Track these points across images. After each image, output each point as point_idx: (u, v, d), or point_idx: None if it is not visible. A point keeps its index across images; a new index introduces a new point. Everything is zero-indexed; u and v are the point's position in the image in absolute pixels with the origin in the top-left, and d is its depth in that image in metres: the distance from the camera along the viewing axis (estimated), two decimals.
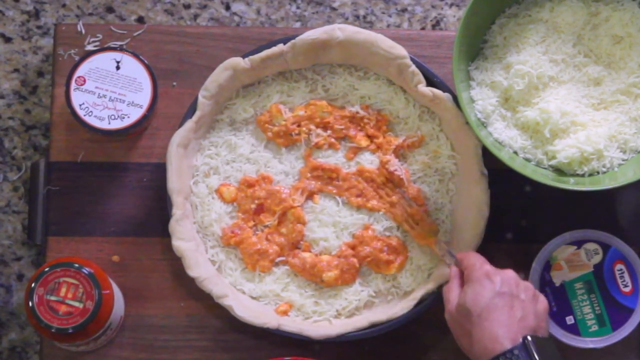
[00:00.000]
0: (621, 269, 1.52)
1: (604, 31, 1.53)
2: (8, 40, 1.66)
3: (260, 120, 1.57)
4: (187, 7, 1.66)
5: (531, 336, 1.35)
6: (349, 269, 1.53)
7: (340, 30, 1.53)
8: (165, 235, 1.54)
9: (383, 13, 1.67)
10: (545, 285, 1.52)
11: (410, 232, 1.53)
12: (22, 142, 1.64)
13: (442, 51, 1.60)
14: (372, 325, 1.52)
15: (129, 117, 1.55)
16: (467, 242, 1.52)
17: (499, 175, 1.55)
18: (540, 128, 1.50)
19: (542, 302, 1.40)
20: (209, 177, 1.56)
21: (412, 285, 1.54)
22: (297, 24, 1.66)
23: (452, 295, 1.41)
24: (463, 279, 1.43)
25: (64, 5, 1.66)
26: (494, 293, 1.37)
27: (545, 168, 1.51)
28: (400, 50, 1.53)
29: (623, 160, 1.51)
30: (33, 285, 1.45)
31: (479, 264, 1.40)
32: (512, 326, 1.35)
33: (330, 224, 1.55)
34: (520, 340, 1.34)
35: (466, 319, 1.37)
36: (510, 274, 1.40)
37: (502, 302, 1.36)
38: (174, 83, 1.60)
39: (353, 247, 1.54)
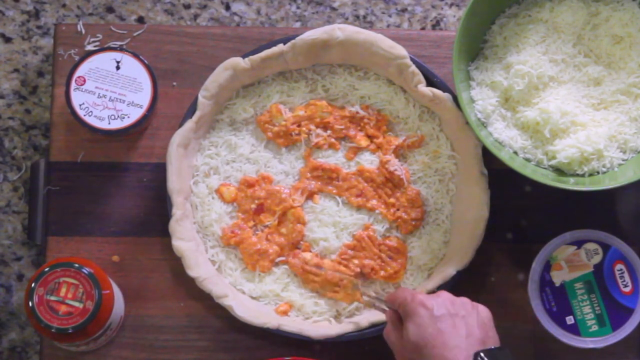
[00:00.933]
0: (621, 269, 1.52)
1: (604, 31, 1.53)
2: (8, 40, 1.66)
3: (260, 120, 1.57)
4: (187, 7, 1.66)
5: (483, 351, 1.33)
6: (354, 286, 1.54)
7: (340, 30, 1.53)
8: (165, 235, 1.54)
9: (383, 13, 1.67)
10: (545, 285, 1.52)
11: (336, 297, 1.52)
12: (22, 142, 1.64)
13: (442, 51, 1.60)
14: (372, 325, 1.52)
15: (129, 117, 1.55)
16: (467, 242, 1.52)
17: (499, 175, 1.55)
18: (540, 128, 1.50)
19: (483, 310, 1.39)
20: (209, 177, 1.56)
21: (412, 285, 1.54)
22: (297, 24, 1.66)
23: (393, 336, 1.40)
24: (398, 319, 1.41)
25: (64, 5, 1.66)
26: (434, 318, 1.35)
27: (545, 168, 1.51)
28: (400, 50, 1.53)
29: (623, 160, 1.51)
30: (33, 285, 1.45)
31: (410, 297, 1.38)
32: (461, 345, 1.33)
33: (330, 224, 1.55)
34: (472, 357, 1.33)
35: (417, 353, 1.35)
36: (443, 295, 1.38)
37: (444, 324, 1.35)
38: (174, 83, 1.60)
39: (353, 248, 1.54)
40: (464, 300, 1.39)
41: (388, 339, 1.41)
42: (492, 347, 1.36)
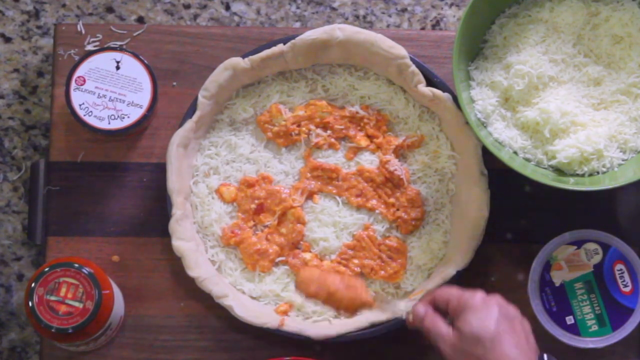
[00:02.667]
0: (621, 269, 1.52)
1: (604, 31, 1.53)
2: (8, 40, 1.66)
3: (260, 120, 1.57)
4: (187, 7, 1.66)
5: (547, 354, 1.41)
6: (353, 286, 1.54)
7: (340, 30, 1.53)
8: (165, 235, 1.54)
9: (383, 13, 1.67)
10: (545, 285, 1.52)
11: (363, 309, 1.47)
12: (22, 142, 1.64)
13: (442, 51, 1.60)
14: (372, 325, 1.52)
15: (129, 117, 1.55)
16: (467, 242, 1.52)
17: (499, 175, 1.55)
18: (540, 128, 1.50)
19: (527, 322, 1.41)
20: (209, 177, 1.56)
21: (412, 285, 1.54)
22: (297, 24, 1.66)
23: (443, 329, 1.39)
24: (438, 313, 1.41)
25: (64, 5, 1.66)
26: (497, 317, 1.37)
27: (545, 168, 1.51)
28: (400, 50, 1.53)
29: (623, 160, 1.51)
30: (33, 285, 1.45)
31: (469, 293, 1.39)
32: (523, 347, 1.36)
33: (330, 224, 1.55)
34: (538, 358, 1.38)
35: (477, 346, 1.35)
36: (499, 298, 1.40)
37: (505, 325, 1.37)
38: (174, 83, 1.60)
39: (353, 248, 1.54)
40: (514, 308, 1.40)
41: (433, 331, 1.39)
42: (544, 355, 1.44)
